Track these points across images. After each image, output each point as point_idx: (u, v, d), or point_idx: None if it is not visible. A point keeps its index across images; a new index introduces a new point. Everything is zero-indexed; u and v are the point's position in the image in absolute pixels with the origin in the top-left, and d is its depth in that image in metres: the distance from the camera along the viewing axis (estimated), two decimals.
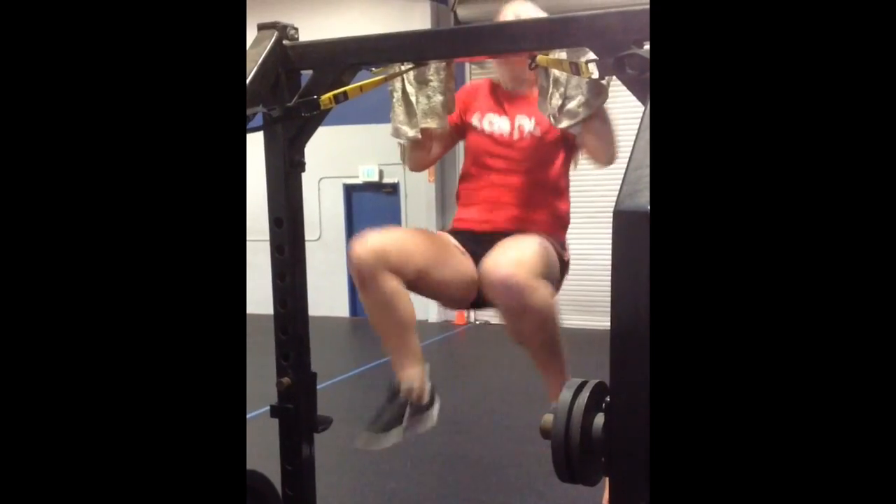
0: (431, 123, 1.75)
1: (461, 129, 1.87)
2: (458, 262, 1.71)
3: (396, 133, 1.80)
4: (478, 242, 1.73)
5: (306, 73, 1.59)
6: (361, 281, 1.61)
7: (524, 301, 1.48)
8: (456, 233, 1.83)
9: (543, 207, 1.78)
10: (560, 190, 1.81)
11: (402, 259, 1.59)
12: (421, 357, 1.70)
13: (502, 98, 1.81)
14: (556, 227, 1.81)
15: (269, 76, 1.52)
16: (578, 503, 2.13)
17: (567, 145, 1.77)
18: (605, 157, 1.65)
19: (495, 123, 1.79)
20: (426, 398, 1.69)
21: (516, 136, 1.76)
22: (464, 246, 1.77)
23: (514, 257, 1.51)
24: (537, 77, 1.58)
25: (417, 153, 1.84)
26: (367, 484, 3.78)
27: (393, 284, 1.58)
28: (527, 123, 1.76)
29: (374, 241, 1.60)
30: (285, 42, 1.55)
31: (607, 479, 0.99)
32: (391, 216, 8.85)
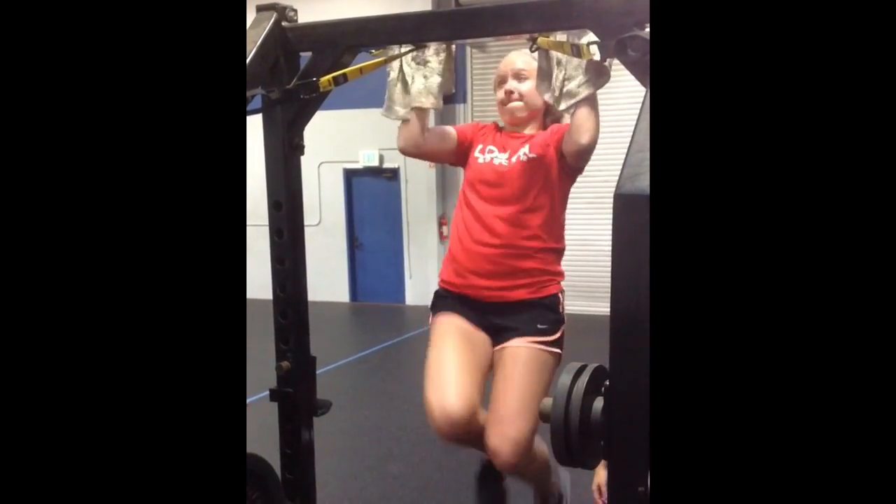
0: (425, 102, 1.74)
1: (464, 154, 1.89)
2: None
3: (388, 112, 1.78)
4: (477, 307, 1.81)
5: (305, 56, 1.57)
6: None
7: (524, 474, 1.85)
8: (449, 297, 1.86)
9: (536, 248, 1.77)
10: (555, 212, 1.79)
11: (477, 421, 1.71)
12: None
13: (504, 137, 1.85)
14: (550, 263, 1.80)
15: (268, 58, 1.51)
16: (578, 485, 2.14)
17: (565, 168, 1.77)
18: (589, 135, 1.63)
19: (494, 153, 1.82)
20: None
21: (514, 162, 1.77)
22: (468, 310, 1.83)
23: (512, 437, 1.65)
24: (538, 59, 1.57)
25: (407, 131, 1.82)
26: (367, 468, 3.80)
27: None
28: (522, 150, 1.78)
29: (456, 413, 1.68)
30: (284, 24, 1.53)
31: (602, 461, 1.00)
32: (391, 202, 8.83)
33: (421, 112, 1.78)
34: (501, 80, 1.84)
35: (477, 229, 1.78)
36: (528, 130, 1.84)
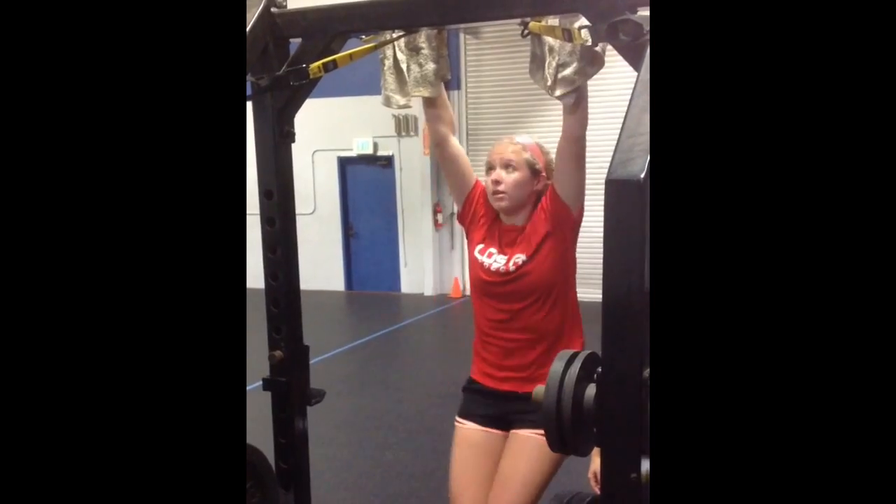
0: (423, 92, 1.73)
1: (468, 213, 1.92)
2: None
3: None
4: (496, 400, 1.88)
5: (295, 42, 1.56)
6: None
7: None
8: (476, 391, 1.92)
9: (550, 332, 1.82)
10: (566, 289, 1.83)
11: None
12: None
13: (501, 232, 1.87)
14: (566, 343, 1.83)
15: (257, 45, 1.49)
16: (574, 472, 2.14)
17: (565, 228, 1.79)
18: (583, 127, 1.66)
19: (494, 255, 1.85)
20: None
21: (512, 268, 1.80)
22: (485, 413, 1.90)
23: None
24: (531, 44, 1.55)
25: (432, 121, 1.83)
26: (362, 456, 3.81)
27: None
28: (518, 257, 1.81)
29: None
30: (273, 9, 1.51)
31: (596, 448, 0.99)
32: (386, 190, 8.81)
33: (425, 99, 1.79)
34: (490, 167, 1.84)
35: (489, 322, 1.85)
36: (520, 220, 1.85)
